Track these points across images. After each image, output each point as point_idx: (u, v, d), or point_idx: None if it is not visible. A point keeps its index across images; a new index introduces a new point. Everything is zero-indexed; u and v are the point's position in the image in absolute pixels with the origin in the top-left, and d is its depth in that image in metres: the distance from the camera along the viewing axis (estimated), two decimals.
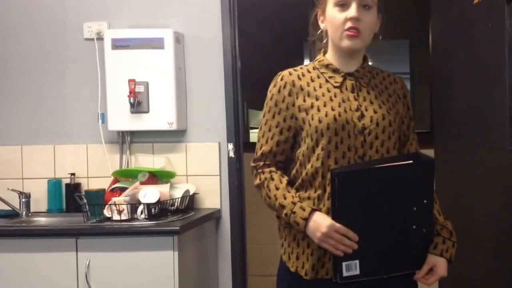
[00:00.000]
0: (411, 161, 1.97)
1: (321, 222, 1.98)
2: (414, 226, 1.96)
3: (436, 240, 2.07)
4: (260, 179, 2.15)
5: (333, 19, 2.07)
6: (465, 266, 3.17)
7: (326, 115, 2.03)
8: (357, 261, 1.95)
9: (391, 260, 1.99)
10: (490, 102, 2.98)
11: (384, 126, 2.05)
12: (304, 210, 2.02)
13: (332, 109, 2.04)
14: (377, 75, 2.20)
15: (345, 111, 2.04)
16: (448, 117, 3.44)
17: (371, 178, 1.93)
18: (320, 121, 2.03)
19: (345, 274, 1.95)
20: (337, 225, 1.94)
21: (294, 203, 2.04)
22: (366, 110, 2.07)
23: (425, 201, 1.96)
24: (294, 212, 2.02)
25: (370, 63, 2.20)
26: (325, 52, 2.20)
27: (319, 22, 2.17)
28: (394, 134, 2.09)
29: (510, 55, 2.78)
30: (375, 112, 2.07)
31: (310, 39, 2.27)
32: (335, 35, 2.08)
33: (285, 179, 2.11)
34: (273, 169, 2.14)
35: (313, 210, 2.01)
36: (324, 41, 2.19)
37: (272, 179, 2.12)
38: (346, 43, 2.05)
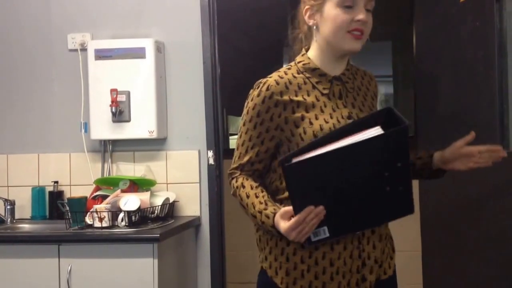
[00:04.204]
0: (378, 133, 1.72)
1: (281, 228, 1.86)
2: (388, 188, 1.79)
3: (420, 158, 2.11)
4: (233, 187, 2.07)
5: (336, 18, 1.94)
6: (455, 273, 3.18)
7: (321, 129, 1.92)
8: (325, 227, 1.84)
9: (368, 218, 1.88)
10: (479, 103, 2.94)
11: None
12: (268, 218, 1.90)
13: (326, 121, 1.94)
14: (356, 75, 2.11)
15: (338, 121, 1.95)
16: (433, 120, 3.38)
17: (329, 160, 1.74)
18: (315, 136, 1.91)
19: (313, 239, 1.86)
20: (290, 223, 1.81)
21: (260, 212, 1.93)
22: (358, 117, 1.98)
23: (399, 164, 1.76)
24: (264, 222, 1.92)
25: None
26: (306, 50, 2.08)
27: (306, 18, 2.04)
28: None
29: (500, 54, 2.76)
30: None
31: (295, 34, 2.15)
32: (336, 35, 1.96)
33: (254, 185, 2.01)
34: (245, 176, 2.05)
35: (275, 215, 1.90)
36: (310, 39, 2.07)
37: (243, 186, 2.02)
38: (350, 45, 1.95)
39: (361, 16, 1.93)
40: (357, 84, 2.09)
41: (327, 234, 1.85)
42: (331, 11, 1.96)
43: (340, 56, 2.02)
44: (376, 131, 1.72)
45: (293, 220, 1.80)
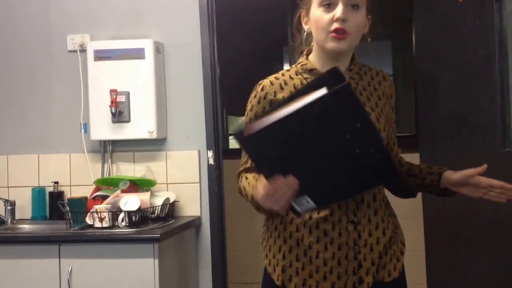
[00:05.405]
0: (321, 94, 1.64)
1: (258, 198, 1.82)
2: (357, 151, 1.74)
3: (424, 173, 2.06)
4: (239, 184, 2.07)
5: (317, 20, 1.95)
6: (458, 273, 3.18)
7: None
8: (305, 196, 1.79)
9: (349, 184, 1.84)
10: (479, 102, 2.93)
11: None
12: (253, 188, 1.90)
13: None
14: (365, 75, 2.09)
15: None
16: (434, 119, 3.38)
17: (279, 128, 1.68)
18: None
19: (300, 210, 1.83)
20: (262, 193, 1.76)
21: (253, 189, 1.91)
22: None
23: (358, 124, 1.70)
24: (254, 198, 1.89)
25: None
26: (308, 53, 2.08)
27: (303, 24, 2.07)
28: None
29: (500, 53, 2.74)
30: None
31: (294, 42, 2.16)
32: (319, 37, 1.96)
33: (257, 175, 1.97)
34: (249, 173, 2.04)
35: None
36: (311, 44, 2.06)
37: (247, 178, 2.02)
38: (331, 45, 1.94)
39: (338, 14, 1.91)
40: (363, 84, 2.06)
41: (312, 203, 1.82)
42: (314, 13, 1.97)
43: (334, 56, 2.00)
44: (320, 92, 1.65)
45: (264, 190, 1.75)
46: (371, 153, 1.76)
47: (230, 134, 5.35)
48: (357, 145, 1.73)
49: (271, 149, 1.73)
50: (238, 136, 1.72)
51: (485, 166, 2.00)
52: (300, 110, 1.65)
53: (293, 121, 1.67)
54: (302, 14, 2.06)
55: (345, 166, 1.77)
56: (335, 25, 1.92)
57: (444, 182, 2.05)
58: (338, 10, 1.91)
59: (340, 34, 1.92)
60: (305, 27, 2.06)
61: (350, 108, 1.67)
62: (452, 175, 2.03)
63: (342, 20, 1.91)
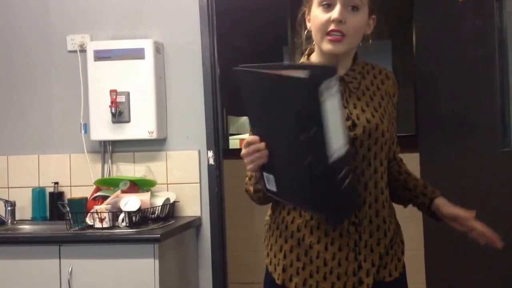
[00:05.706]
0: (293, 75, 1.57)
1: None
2: (309, 158, 1.61)
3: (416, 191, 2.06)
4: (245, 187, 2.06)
5: (315, 19, 1.91)
6: (458, 273, 3.17)
7: None
8: (272, 176, 1.76)
9: (302, 192, 1.74)
10: (479, 102, 2.94)
11: (376, 137, 1.90)
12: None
13: None
14: (368, 74, 2.03)
15: None
16: (434, 119, 3.38)
17: (263, 84, 1.65)
18: None
19: (267, 186, 1.80)
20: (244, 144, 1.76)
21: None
22: (358, 119, 1.90)
23: (314, 128, 1.56)
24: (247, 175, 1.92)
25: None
26: (310, 53, 2.05)
27: (306, 22, 2.01)
28: (387, 144, 1.96)
29: (500, 53, 2.77)
30: (368, 121, 1.90)
31: (297, 39, 2.11)
32: (316, 37, 1.93)
33: None
34: None
35: None
36: (314, 43, 2.01)
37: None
38: (327, 47, 1.89)
39: (334, 15, 1.86)
40: (366, 84, 2.01)
41: (275, 187, 1.78)
42: (314, 12, 1.94)
43: (332, 57, 1.96)
44: (296, 73, 1.57)
45: (245, 140, 1.76)
46: (317, 174, 1.62)
47: (231, 134, 5.36)
48: (308, 152, 1.62)
49: (251, 97, 1.72)
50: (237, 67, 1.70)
51: (474, 213, 2.02)
52: (273, 75, 1.62)
53: (266, 82, 1.64)
54: (306, 11, 2.02)
55: (298, 171, 1.68)
56: (332, 27, 1.88)
57: (434, 206, 2.06)
58: (335, 11, 1.87)
59: (335, 36, 1.89)
60: (308, 25, 2.01)
61: (311, 105, 1.55)
62: (442, 207, 2.05)
63: (339, 21, 1.87)
